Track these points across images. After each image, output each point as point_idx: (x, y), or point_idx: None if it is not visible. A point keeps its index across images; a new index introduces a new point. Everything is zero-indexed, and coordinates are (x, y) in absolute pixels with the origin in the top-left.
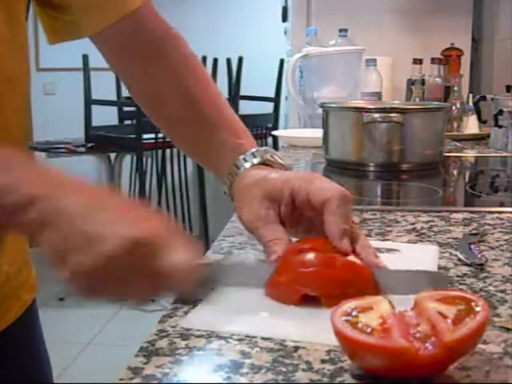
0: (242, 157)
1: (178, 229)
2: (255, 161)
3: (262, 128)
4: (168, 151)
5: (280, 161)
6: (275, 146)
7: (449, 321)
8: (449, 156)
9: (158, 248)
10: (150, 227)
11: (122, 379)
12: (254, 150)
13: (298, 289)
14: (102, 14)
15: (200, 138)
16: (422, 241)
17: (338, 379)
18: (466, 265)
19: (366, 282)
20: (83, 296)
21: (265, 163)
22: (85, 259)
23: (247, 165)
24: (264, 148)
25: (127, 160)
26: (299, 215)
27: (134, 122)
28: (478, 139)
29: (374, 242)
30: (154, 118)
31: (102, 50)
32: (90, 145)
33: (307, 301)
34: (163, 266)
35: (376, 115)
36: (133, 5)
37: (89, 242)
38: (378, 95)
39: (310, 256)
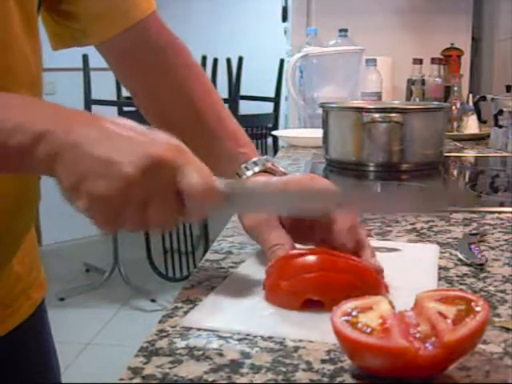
0: (243, 165)
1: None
2: (257, 169)
3: (262, 128)
4: None
5: (281, 169)
6: (275, 146)
7: (449, 321)
8: (449, 156)
9: (176, 168)
10: (166, 147)
11: (122, 379)
12: (255, 158)
13: (300, 294)
14: (110, 23)
15: (202, 147)
16: (422, 241)
17: (338, 379)
18: (466, 265)
19: (370, 283)
20: (102, 228)
21: (266, 171)
22: (102, 183)
23: (249, 173)
24: (265, 157)
25: None
26: (299, 220)
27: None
28: (478, 139)
29: (374, 242)
30: (156, 126)
31: (105, 56)
32: None
33: (309, 305)
34: (183, 187)
35: (376, 115)
36: (139, 15)
37: (105, 165)
38: (378, 95)
39: (312, 260)
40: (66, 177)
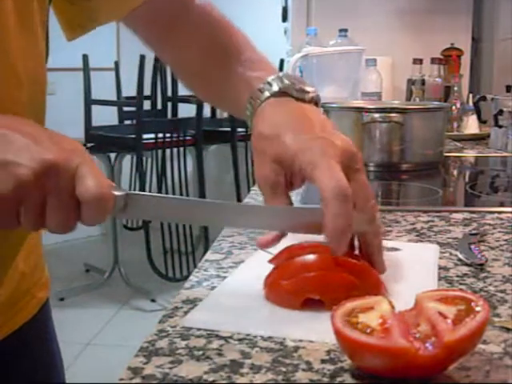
0: (260, 86)
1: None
2: (273, 89)
3: None
4: (168, 151)
5: (300, 86)
6: None
7: (449, 321)
8: (449, 156)
9: (71, 171)
10: (63, 152)
11: (122, 379)
12: (270, 78)
13: (301, 293)
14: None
15: (216, 77)
16: (421, 241)
17: (338, 379)
18: (466, 265)
19: (370, 283)
20: (2, 227)
21: (285, 92)
22: None
23: (265, 95)
24: (282, 73)
25: (127, 160)
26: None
27: (134, 122)
28: (478, 139)
29: None
30: (177, 73)
31: (124, 23)
32: (89, 145)
33: (310, 304)
34: (77, 191)
35: (376, 115)
36: None
37: (1, 166)
38: (378, 95)
39: (312, 259)
40: None
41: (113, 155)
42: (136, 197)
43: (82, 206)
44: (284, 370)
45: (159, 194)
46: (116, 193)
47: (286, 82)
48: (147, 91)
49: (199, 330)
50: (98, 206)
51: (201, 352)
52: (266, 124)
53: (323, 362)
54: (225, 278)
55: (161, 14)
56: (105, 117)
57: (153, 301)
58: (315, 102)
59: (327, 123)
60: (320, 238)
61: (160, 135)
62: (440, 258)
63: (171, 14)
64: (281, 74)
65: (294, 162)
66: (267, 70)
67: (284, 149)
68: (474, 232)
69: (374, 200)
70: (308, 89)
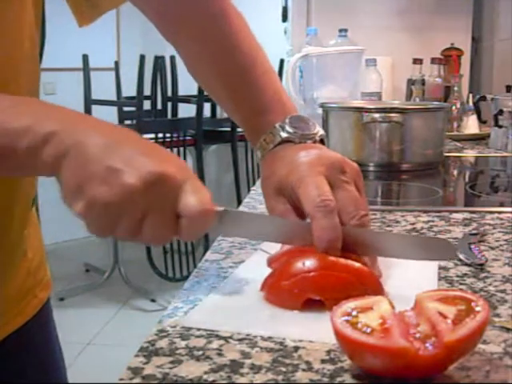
0: (265, 138)
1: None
2: (277, 140)
3: None
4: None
5: (304, 132)
6: None
7: (449, 321)
8: (449, 156)
9: (177, 186)
10: (171, 166)
11: (121, 379)
12: (275, 126)
13: (301, 294)
14: None
15: (232, 103)
16: None
17: (338, 379)
18: (466, 265)
19: (370, 283)
20: (95, 233)
21: (288, 140)
22: (103, 189)
23: (269, 147)
24: (288, 118)
25: None
26: None
27: (134, 122)
28: (478, 139)
29: None
30: (185, 65)
31: (143, 10)
32: None
33: (310, 305)
34: (181, 206)
35: (376, 115)
36: None
37: (110, 172)
38: (378, 95)
39: (312, 259)
40: (70, 178)
41: None
42: (233, 214)
43: (183, 220)
44: (284, 369)
45: (257, 213)
46: (217, 209)
47: (290, 130)
48: (147, 91)
49: (199, 330)
50: (201, 221)
51: (201, 352)
52: (267, 169)
53: (323, 362)
54: (225, 277)
55: (166, 9)
56: (105, 117)
57: (153, 301)
58: (320, 141)
59: (323, 146)
60: None
61: (160, 135)
62: None
63: (177, 13)
64: (287, 118)
65: (288, 185)
66: (269, 108)
67: (279, 178)
68: (474, 232)
69: (364, 211)
70: (311, 132)
